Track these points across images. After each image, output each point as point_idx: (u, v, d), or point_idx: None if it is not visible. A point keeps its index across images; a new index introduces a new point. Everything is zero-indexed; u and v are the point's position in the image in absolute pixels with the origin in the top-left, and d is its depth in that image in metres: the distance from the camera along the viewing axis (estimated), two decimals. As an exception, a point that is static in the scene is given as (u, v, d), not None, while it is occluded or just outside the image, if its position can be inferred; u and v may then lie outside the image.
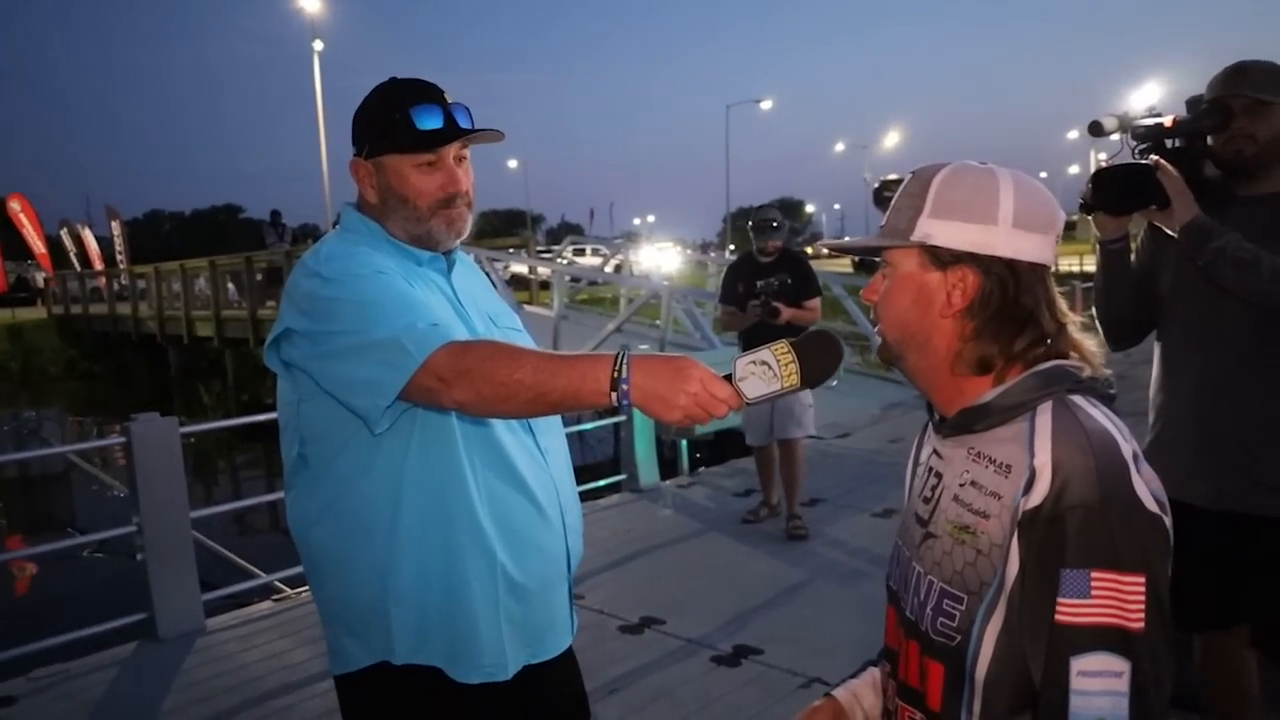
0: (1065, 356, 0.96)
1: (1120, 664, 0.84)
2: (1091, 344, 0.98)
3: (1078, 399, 0.93)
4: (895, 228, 0.98)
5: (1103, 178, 1.83)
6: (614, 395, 1.11)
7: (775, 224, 4.50)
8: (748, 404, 1.10)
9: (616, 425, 5.89)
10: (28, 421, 16.40)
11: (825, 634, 3.29)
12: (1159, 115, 1.87)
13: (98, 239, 29.69)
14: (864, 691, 1.17)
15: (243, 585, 4.13)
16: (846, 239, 1.18)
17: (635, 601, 3.68)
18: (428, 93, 1.36)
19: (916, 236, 0.96)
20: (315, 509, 1.35)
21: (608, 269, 16.45)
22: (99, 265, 26.58)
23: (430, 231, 1.39)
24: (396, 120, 1.34)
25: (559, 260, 16.19)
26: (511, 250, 17.10)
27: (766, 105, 43.43)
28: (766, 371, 1.08)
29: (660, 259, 18.37)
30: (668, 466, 5.97)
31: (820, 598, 3.67)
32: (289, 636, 3.48)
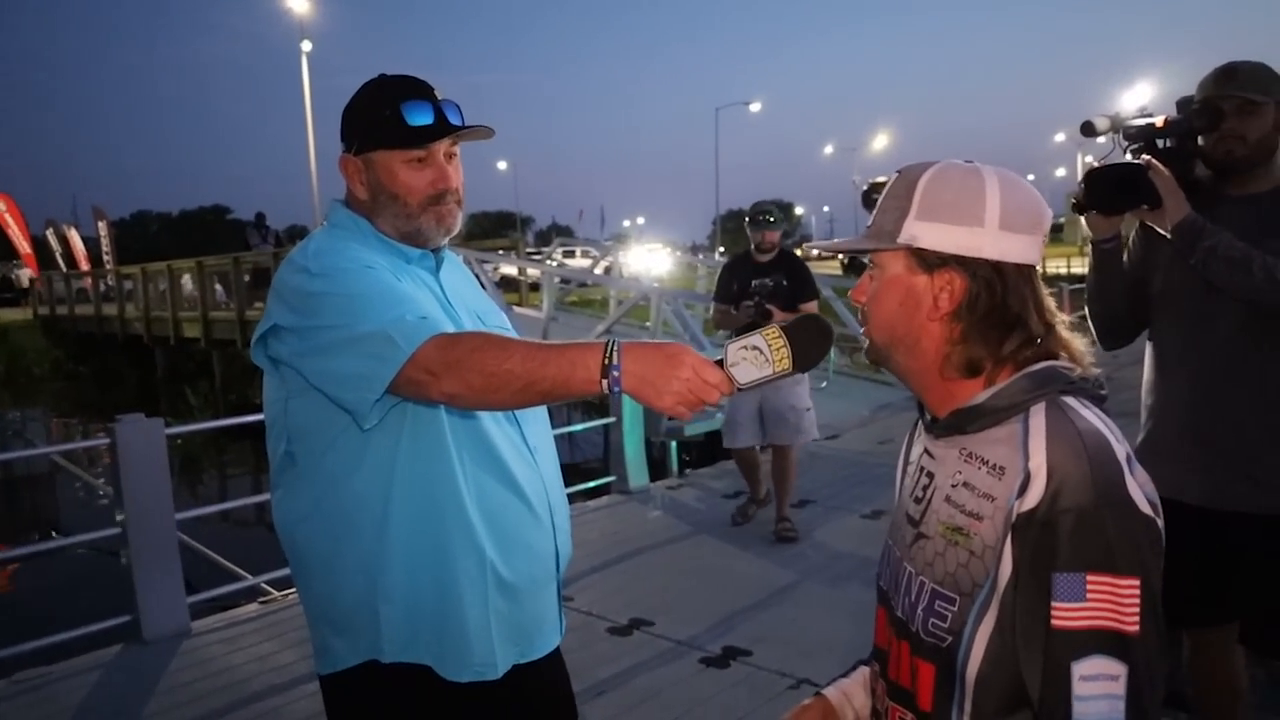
0: (1055, 357, 0.96)
1: (1117, 667, 0.84)
2: (1081, 344, 0.98)
3: (1070, 400, 0.93)
4: (882, 229, 0.98)
5: (1095, 178, 1.84)
6: (605, 383, 1.10)
7: (772, 217, 4.45)
8: (739, 389, 1.10)
9: (606, 427, 5.88)
10: (11, 422, 16.25)
11: (814, 635, 3.29)
12: (1150, 116, 1.89)
13: (84, 239, 29.46)
14: (855, 690, 1.17)
15: (229, 587, 4.11)
16: (832, 240, 1.18)
17: (624, 603, 3.67)
18: (418, 89, 1.36)
19: (903, 239, 0.95)
20: (302, 507, 1.34)
21: (597, 271, 16.42)
22: (85, 266, 26.38)
23: (420, 228, 1.38)
24: (387, 116, 1.34)
25: (548, 262, 16.15)
26: (501, 252, 17.06)
27: (755, 107, 43.57)
28: (758, 356, 1.08)
29: (650, 261, 18.36)
30: (657, 468, 5.97)
31: (809, 599, 3.67)
32: (275, 639, 3.46)
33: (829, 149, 73.28)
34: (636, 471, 5.50)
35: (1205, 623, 1.93)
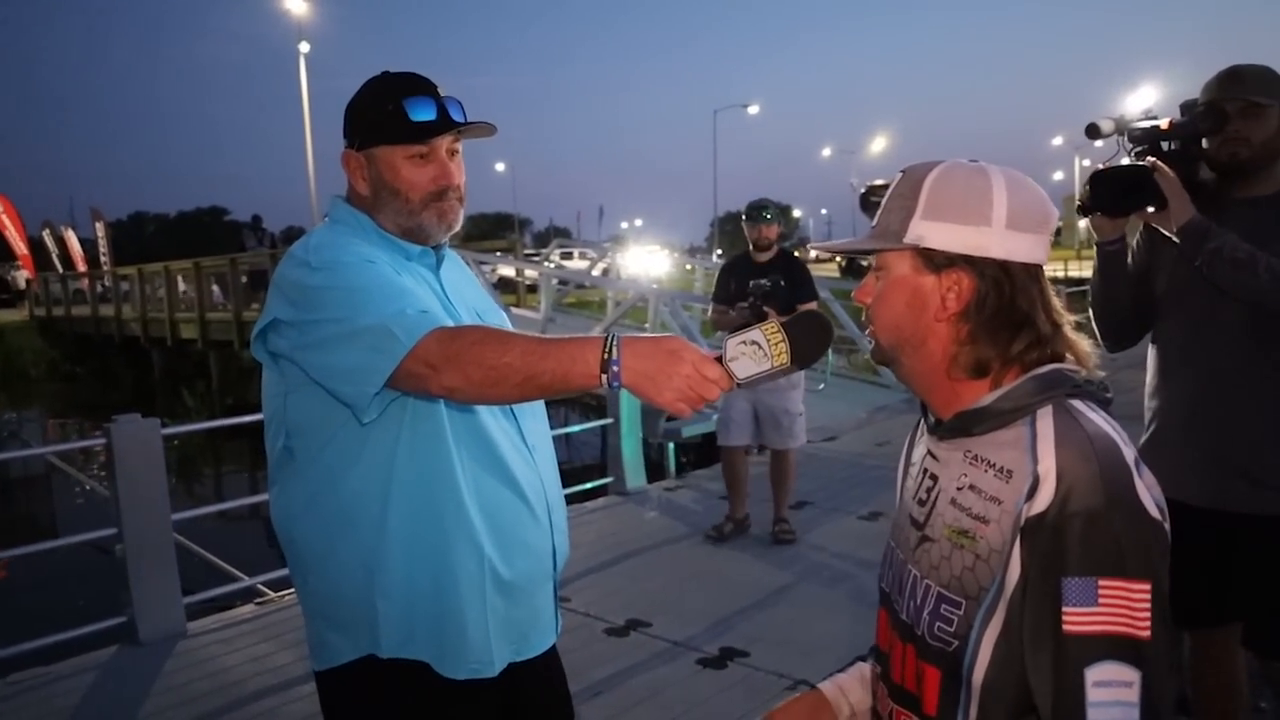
0: (1061, 358, 0.95)
1: (1130, 674, 0.83)
2: (1087, 345, 0.98)
3: (1077, 403, 0.92)
4: (887, 229, 0.97)
5: (1100, 179, 1.84)
6: (604, 377, 1.10)
7: (768, 212, 4.37)
8: (739, 384, 1.09)
9: (603, 428, 5.88)
10: (8, 424, 16.19)
11: (812, 636, 3.28)
12: (1155, 118, 1.89)
13: (81, 241, 29.45)
14: (851, 685, 1.16)
15: (225, 588, 4.10)
16: (835, 240, 1.17)
17: (621, 604, 3.67)
18: (421, 85, 1.36)
19: (909, 239, 0.94)
20: (300, 502, 1.34)
21: (595, 272, 16.43)
22: (82, 267, 26.36)
23: (421, 224, 1.38)
24: (389, 111, 1.34)
25: (546, 264, 16.15)
26: (499, 253, 17.05)
27: (753, 110, 43.57)
28: (757, 351, 1.07)
29: (649, 262, 18.32)
30: (654, 469, 5.97)
31: (807, 600, 3.67)
32: (271, 640, 3.45)
33: (827, 151, 73.45)
34: (634, 473, 5.50)
35: (1207, 623, 1.93)
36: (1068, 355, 0.96)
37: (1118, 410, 0.96)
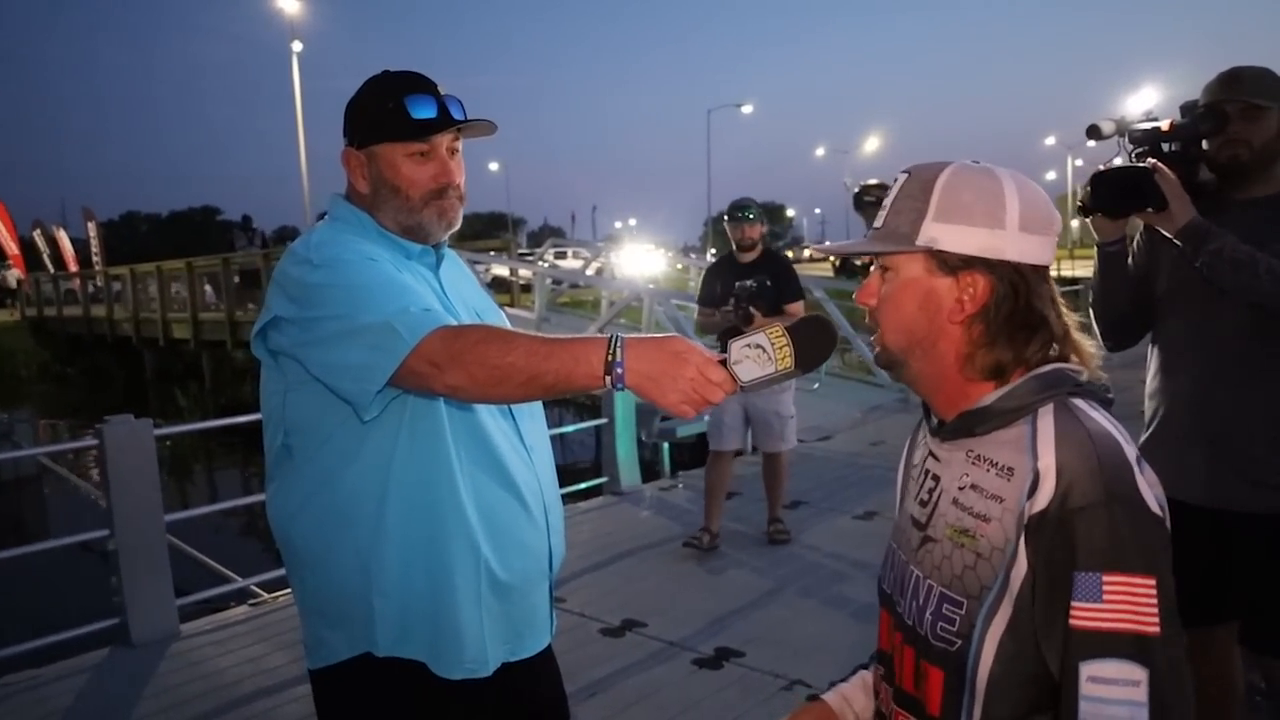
0: (1066, 359, 0.96)
1: (1138, 672, 0.82)
2: (1090, 346, 0.98)
3: (1078, 402, 0.93)
4: (896, 231, 0.96)
5: (1101, 181, 1.84)
6: (607, 379, 1.10)
7: (750, 212, 4.29)
8: (742, 388, 1.09)
9: (598, 428, 5.87)
10: (-1, 424, 16.11)
11: (807, 636, 3.28)
12: (1155, 120, 1.90)
13: (73, 241, 29.32)
14: (854, 694, 1.16)
15: (218, 590, 4.08)
16: (841, 242, 1.16)
17: (616, 604, 3.66)
18: (421, 84, 1.37)
19: (922, 241, 0.94)
20: (298, 500, 1.33)
21: (589, 272, 16.42)
22: (74, 267, 26.26)
23: (421, 222, 1.38)
24: (390, 109, 1.34)
25: (540, 263, 16.13)
26: (493, 253, 17.03)
27: (748, 109, 43.50)
28: (761, 355, 1.07)
29: (645, 262, 18.26)
30: (648, 469, 5.97)
31: (802, 600, 3.67)
32: (265, 641, 3.43)
33: (821, 151, 73.50)
34: (628, 472, 5.50)
35: (1205, 621, 1.93)
36: (1072, 356, 0.96)
37: (1114, 409, 0.97)
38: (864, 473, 5.70)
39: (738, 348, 1.08)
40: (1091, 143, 1.91)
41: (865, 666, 1.18)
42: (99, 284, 21.67)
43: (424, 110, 1.34)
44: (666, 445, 6.28)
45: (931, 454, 1.02)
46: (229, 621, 3.66)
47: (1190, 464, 1.87)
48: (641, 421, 5.68)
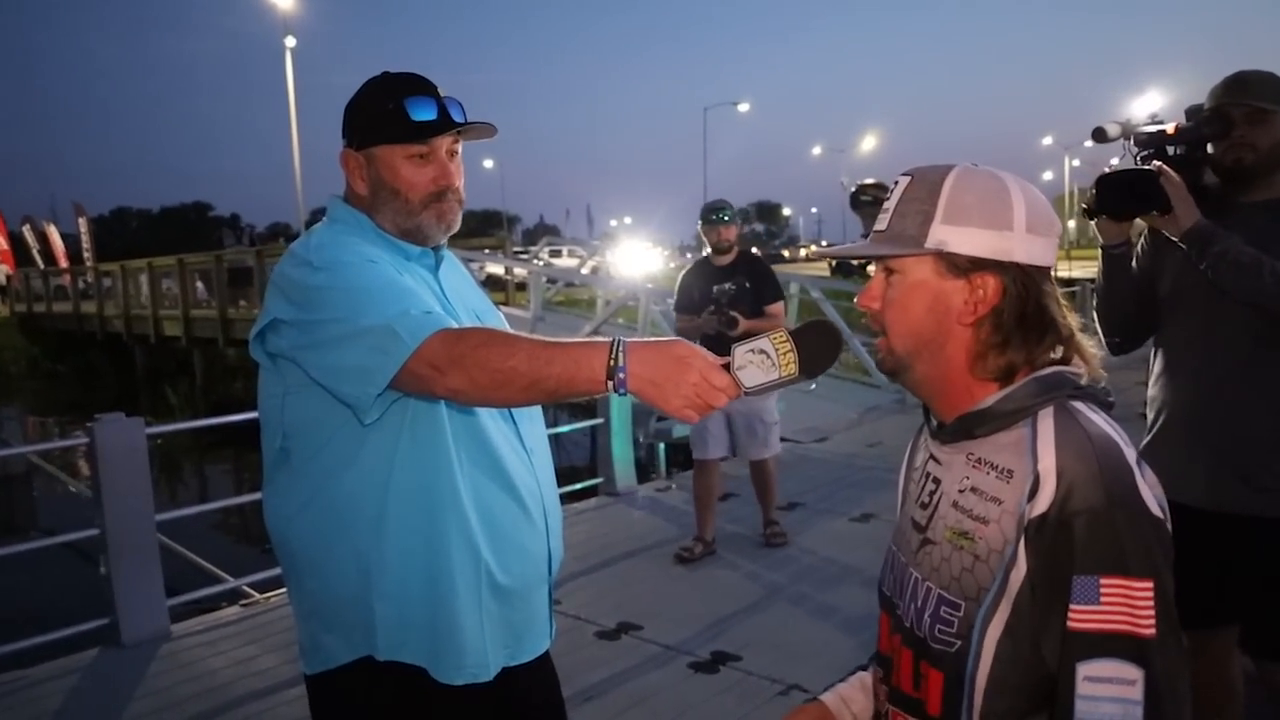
0: (1069, 361, 0.96)
1: (1132, 671, 0.82)
2: (1092, 348, 0.98)
3: (1079, 405, 0.93)
4: (903, 234, 0.95)
5: (1106, 183, 1.85)
6: (610, 384, 1.09)
7: (726, 214, 4.17)
8: (746, 393, 1.08)
9: (593, 428, 5.85)
10: (-13, 421, 16.02)
11: (804, 640, 3.27)
12: (1161, 123, 1.90)
13: (63, 236, 29.19)
14: (853, 695, 1.16)
15: (209, 590, 4.06)
16: (846, 245, 1.15)
17: (612, 607, 3.64)
18: (421, 85, 1.36)
19: (931, 243, 0.94)
20: (297, 503, 1.32)
21: (584, 270, 16.41)
22: (64, 263, 26.16)
23: (420, 225, 1.38)
24: (390, 110, 1.33)
25: (535, 261, 16.11)
26: (487, 251, 17.01)
27: (744, 108, 43.51)
28: (765, 360, 1.06)
29: (643, 260, 18.19)
30: (644, 469, 5.94)
31: (799, 603, 3.66)
32: (257, 642, 3.40)
33: (817, 150, 73.41)
34: (624, 473, 5.47)
35: (1205, 625, 1.94)
36: (1075, 358, 0.97)
37: (1112, 411, 0.97)
38: (861, 474, 5.69)
39: (741, 352, 1.07)
40: (1089, 143, 1.91)
41: (864, 668, 1.18)
42: (89, 280, 21.58)
43: (424, 112, 1.33)
44: (662, 446, 6.27)
45: (932, 457, 1.03)
46: (220, 622, 3.63)
47: (1193, 466, 1.87)
48: (637, 422, 5.66)
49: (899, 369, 1.00)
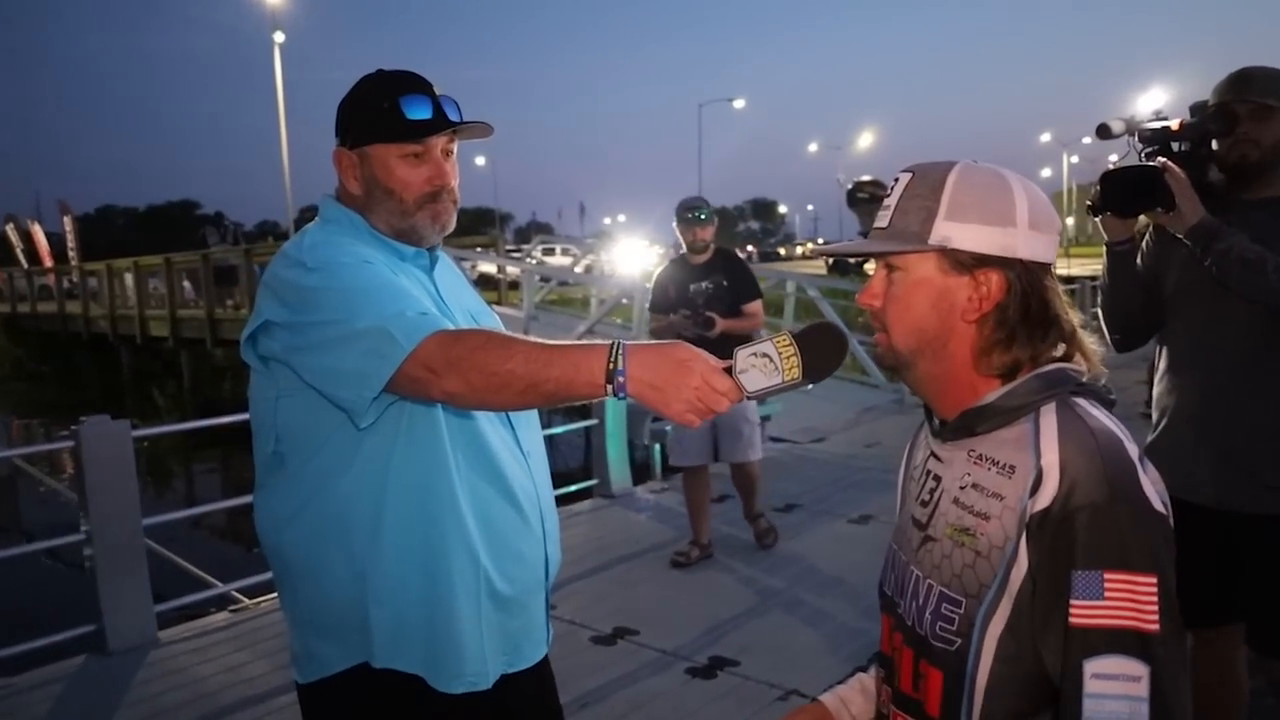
0: (1071, 358, 0.96)
1: (1138, 668, 0.82)
2: (1093, 345, 0.99)
3: (1080, 401, 0.93)
4: (906, 230, 0.95)
5: (1111, 180, 1.85)
6: (609, 387, 1.06)
7: (702, 213, 4.04)
8: (748, 397, 1.07)
9: (587, 429, 5.81)
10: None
11: (803, 644, 3.24)
12: (1165, 119, 1.91)
13: (48, 235, 28.97)
14: (852, 697, 1.15)
15: (198, 595, 3.99)
16: (846, 243, 1.13)
17: (608, 611, 3.60)
18: (417, 84, 1.34)
19: (934, 240, 0.93)
20: (290, 509, 1.30)
21: (578, 269, 16.36)
22: (48, 262, 25.95)
23: (414, 225, 1.35)
24: (385, 109, 1.31)
25: (528, 260, 16.05)
26: (479, 249, 16.92)
27: (739, 104, 43.53)
28: (768, 364, 1.04)
29: (641, 259, 18.03)
30: (639, 471, 5.90)
31: (797, 607, 3.62)
32: (246, 649, 3.35)
33: (813, 147, 73.10)
34: (619, 474, 5.44)
35: (1210, 622, 1.95)
36: (1077, 355, 0.97)
37: (1113, 409, 0.96)
38: (859, 475, 5.66)
39: (743, 356, 1.06)
40: (1088, 140, 1.90)
41: (864, 669, 1.18)
42: (74, 280, 21.39)
43: (419, 111, 1.31)
44: (658, 447, 6.21)
45: (933, 455, 1.02)
46: (209, 628, 3.57)
47: (1198, 465, 1.88)
48: (633, 423, 5.61)
49: (901, 367, 1.00)
